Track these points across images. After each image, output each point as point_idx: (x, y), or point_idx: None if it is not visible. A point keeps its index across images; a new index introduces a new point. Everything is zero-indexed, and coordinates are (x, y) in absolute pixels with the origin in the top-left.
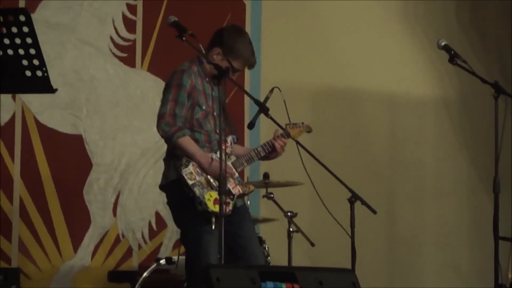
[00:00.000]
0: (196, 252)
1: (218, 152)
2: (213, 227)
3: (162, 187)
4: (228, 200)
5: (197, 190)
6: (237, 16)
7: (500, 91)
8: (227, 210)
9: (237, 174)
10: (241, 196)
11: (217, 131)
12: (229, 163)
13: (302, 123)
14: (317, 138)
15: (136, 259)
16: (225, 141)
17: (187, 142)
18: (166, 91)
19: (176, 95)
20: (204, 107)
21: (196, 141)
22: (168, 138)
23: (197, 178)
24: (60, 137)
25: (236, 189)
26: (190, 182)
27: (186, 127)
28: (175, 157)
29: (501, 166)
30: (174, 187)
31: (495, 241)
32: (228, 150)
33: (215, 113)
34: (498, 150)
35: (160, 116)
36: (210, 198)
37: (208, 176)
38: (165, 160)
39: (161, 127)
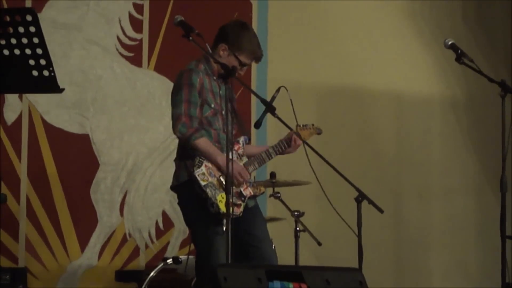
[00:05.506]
0: (207, 252)
1: (229, 152)
2: (224, 228)
3: (173, 187)
4: (239, 202)
5: (209, 192)
6: (243, 15)
7: (507, 90)
8: (238, 212)
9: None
10: (252, 197)
11: (225, 130)
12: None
13: (313, 124)
14: (323, 138)
15: (143, 258)
16: (237, 142)
17: (205, 143)
18: (177, 92)
19: (188, 96)
20: (212, 105)
21: None
22: (186, 140)
23: (210, 179)
24: (67, 136)
25: (247, 191)
26: (202, 183)
27: (202, 128)
28: (186, 157)
29: (508, 165)
30: (186, 188)
31: (502, 240)
32: (240, 151)
33: (223, 112)
34: (505, 149)
35: (176, 118)
36: (222, 200)
37: (220, 177)
38: (176, 160)
39: (177, 129)
